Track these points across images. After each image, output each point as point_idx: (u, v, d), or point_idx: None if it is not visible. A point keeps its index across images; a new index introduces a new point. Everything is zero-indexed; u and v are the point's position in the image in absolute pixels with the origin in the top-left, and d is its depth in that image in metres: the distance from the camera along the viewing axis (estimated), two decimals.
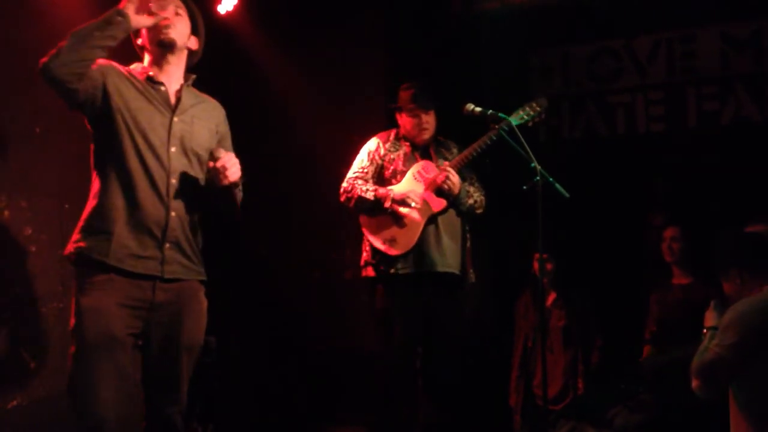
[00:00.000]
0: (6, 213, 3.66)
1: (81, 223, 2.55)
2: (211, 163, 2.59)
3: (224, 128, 2.83)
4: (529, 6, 4.95)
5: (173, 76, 2.70)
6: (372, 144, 3.78)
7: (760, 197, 4.26)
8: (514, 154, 3.24)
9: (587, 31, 5.01)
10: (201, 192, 2.65)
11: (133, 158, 2.52)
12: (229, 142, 2.87)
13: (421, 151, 3.76)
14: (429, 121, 3.69)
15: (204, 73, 4.52)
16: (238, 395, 4.75)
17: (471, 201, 3.66)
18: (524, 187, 3.14)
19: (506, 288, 4.76)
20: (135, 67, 2.70)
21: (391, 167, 3.70)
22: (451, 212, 3.65)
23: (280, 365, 4.82)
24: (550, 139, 5.14)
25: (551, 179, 3.16)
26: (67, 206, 3.90)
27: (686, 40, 4.82)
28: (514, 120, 3.49)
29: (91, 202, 2.55)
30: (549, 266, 4.45)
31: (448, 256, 3.60)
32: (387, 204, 3.58)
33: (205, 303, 2.71)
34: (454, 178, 3.53)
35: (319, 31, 4.75)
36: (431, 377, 3.64)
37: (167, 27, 2.62)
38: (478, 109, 3.36)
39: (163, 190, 2.55)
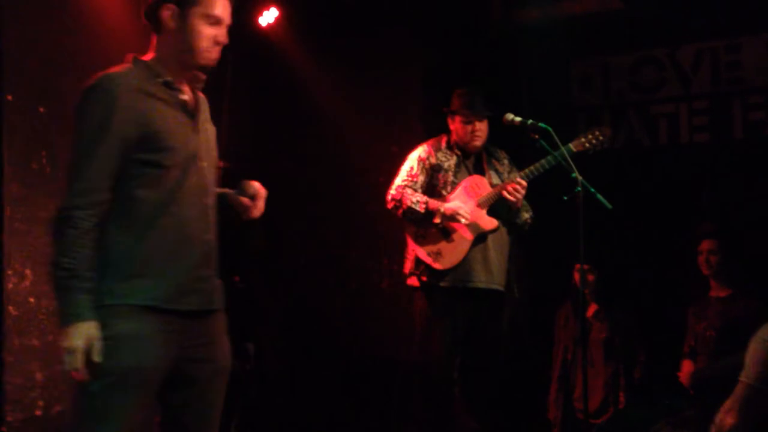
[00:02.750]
0: None
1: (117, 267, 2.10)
2: (246, 200, 2.31)
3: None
4: (569, 16, 4.91)
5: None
6: (422, 151, 3.73)
7: None
8: (555, 164, 3.22)
9: (629, 41, 4.95)
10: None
11: (175, 183, 2.14)
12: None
13: (473, 160, 3.74)
14: (482, 128, 3.67)
15: (245, 84, 4.61)
16: (275, 403, 4.78)
17: (527, 215, 3.67)
18: (565, 198, 3.11)
19: (546, 299, 4.71)
20: (140, 66, 2.20)
21: (443, 177, 3.66)
22: (502, 229, 3.64)
23: (317, 374, 4.83)
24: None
25: (593, 190, 3.13)
26: None
27: (732, 50, 4.73)
28: (574, 146, 3.48)
29: (127, 242, 2.10)
30: (590, 277, 4.40)
31: (494, 273, 3.58)
32: (437, 219, 3.56)
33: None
34: (523, 190, 3.52)
35: (358, 41, 4.78)
36: (469, 389, 3.62)
37: (213, 50, 2.21)
38: (518, 119, 3.34)
39: (204, 213, 2.22)
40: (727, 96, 4.74)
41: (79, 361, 2.01)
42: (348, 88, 4.78)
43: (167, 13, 2.16)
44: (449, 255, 3.56)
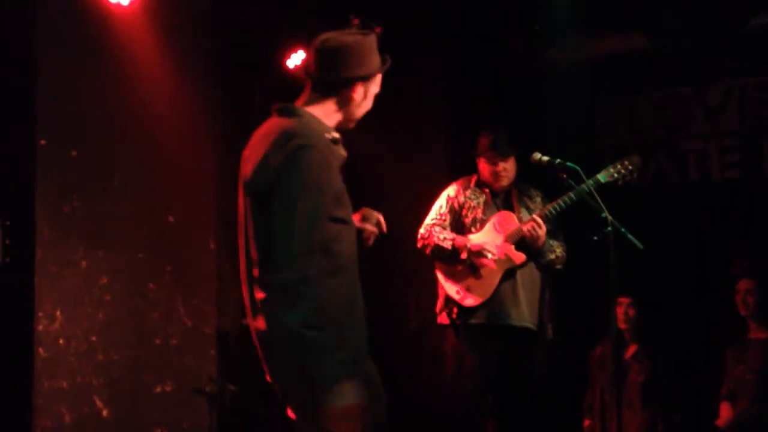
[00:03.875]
0: (83, 263, 3.78)
1: None
2: (370, 227, 2.37)
3: None
4: (594, 55, 4.92)
5: None
6: (451, 190, 3.76)
7: None
8: (585, 203, 3.20)
9: (655, 80, 4.95)
10: None
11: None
12: None
13: (502, 198, 3.73)
14: (507, 168, 3.67)
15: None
16: None
17: (552, 256, 3.61)
18: (595, 238, 3.08)
19: (579, 338, 4.64)
20: (312, 120, 2.28)
21: (471, 215, 3.67)
22: (531, 265, 3.60)
23: None
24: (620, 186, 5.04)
25: (623, 230, 3.09)
26: (140, 256, 4.02)
27: (761, 88, 4.70)
28: (603, 177, 3.45)
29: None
30: (632, 312, 4.28)
31: (524, 309, 3.54)
32: (464, 255, 3.55)
33: None
34: (541, 229, 3.48)
35: (384, 81, 4.82)
36: (501, 430, 3.56)
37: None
38: (546, 158, 3.34)
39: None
40: (756, 133, 4.70)
41: None
42: (372, 125, 4.79)
43: (360, 89, 2.33)
44: (478, 290, 3.55)
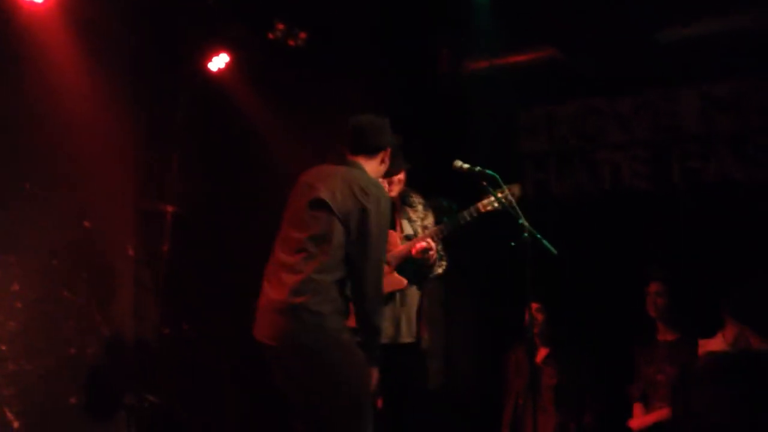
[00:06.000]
0: None
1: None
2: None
3: None
4: (516, 66, 5.05)
5: None
6: None
7: (743, 255, 4.31)
8: (502, 210, 3.27)
9: (572, 90, 5.12)
10: None
11: None
12: None
13: None
14: (401, 179, 3.59)
15: (195, 129, 4.59)
16: None
17: (440, 270, 3.61)
18: (512, 244, 3.16)
19: (496, 345, 4.74)
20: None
21: None
22: (410, 286, 3.56)
23: (272, 420, 4.74)
24: (539, 195, 5.20)
25: (539, 236, 3.18)
26: (54, 262, 3.89)
27: (669, 100, 4.92)
28: (480, 207, 3.45)
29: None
30: (540, 317, 4.41)
31: (403, 326, 3.53)
32: None
33: None
34: (432, 251, 3.46)
35: (307, 88, 4.82)
36: None
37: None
38: (467, 165, 3.38)
39: None
40: (665, 144, 4.92)
41: None
42: (298, 134, 4.80)
43: (389, 152, 3.19)
44: None
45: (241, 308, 4.85)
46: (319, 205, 2.94)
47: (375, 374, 2.94)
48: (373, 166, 3.11)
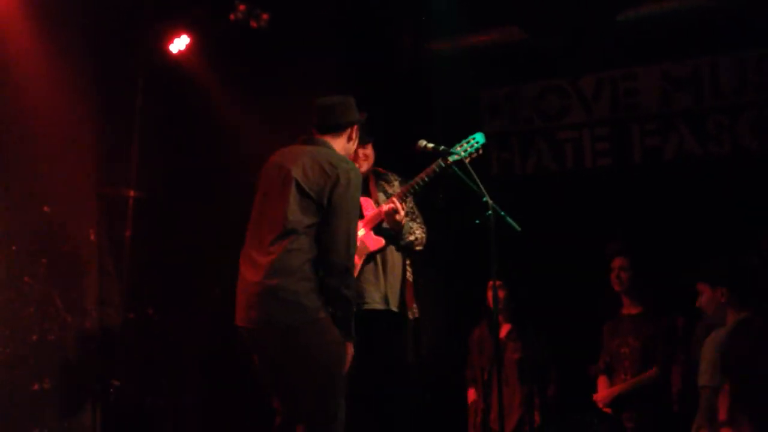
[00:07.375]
0: None
1: None
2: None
3: None
4: (478, 46, 5.07)
5: None
6: None
7: (703, 229, 4.40)
8: (467, 188, 3.29)
9: (534, 71, 5.15)
10: None
11: None
12: None
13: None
14: (367, 154, 3.67)
15: (156, 112, 4.53)
16: None
17: (411, 237, 3.61)
18: (477, 222, 3.19)
19: (462, 322, 4.78)
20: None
21: None
22: (392, 248, 3.61)
23: (234, 409, 4.73)
24: (503, 174, 5.24)
25: (503, 213, 3.21)
26: (14, 248, 3.83)
27: (629, 78, 4.99)
28: (452, 156, 3.45)
29: None
30: (501, 294, 4.43)
31: (387, 293, 3.57)
32: None
33: None
34: (399, 213, 3.49)
35: (269, 69, 4.78)
36: (378, 419, 3.56)
37: None
38: (431, 145, 3.40)
39: None
40: (625, 122, 4.99)
41: None
42: (259, 115, 4.76)
43: (355, 129, 3.22)
44: None
45: (206, 292, 4.85)
46: (290, 184, 2.95)
47: (350, 350, 2.95)
48: (341, 144, 3.15)
